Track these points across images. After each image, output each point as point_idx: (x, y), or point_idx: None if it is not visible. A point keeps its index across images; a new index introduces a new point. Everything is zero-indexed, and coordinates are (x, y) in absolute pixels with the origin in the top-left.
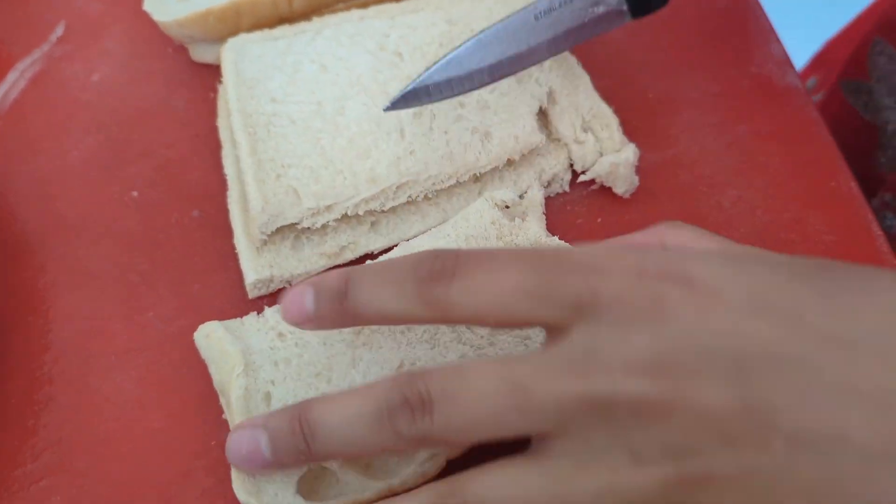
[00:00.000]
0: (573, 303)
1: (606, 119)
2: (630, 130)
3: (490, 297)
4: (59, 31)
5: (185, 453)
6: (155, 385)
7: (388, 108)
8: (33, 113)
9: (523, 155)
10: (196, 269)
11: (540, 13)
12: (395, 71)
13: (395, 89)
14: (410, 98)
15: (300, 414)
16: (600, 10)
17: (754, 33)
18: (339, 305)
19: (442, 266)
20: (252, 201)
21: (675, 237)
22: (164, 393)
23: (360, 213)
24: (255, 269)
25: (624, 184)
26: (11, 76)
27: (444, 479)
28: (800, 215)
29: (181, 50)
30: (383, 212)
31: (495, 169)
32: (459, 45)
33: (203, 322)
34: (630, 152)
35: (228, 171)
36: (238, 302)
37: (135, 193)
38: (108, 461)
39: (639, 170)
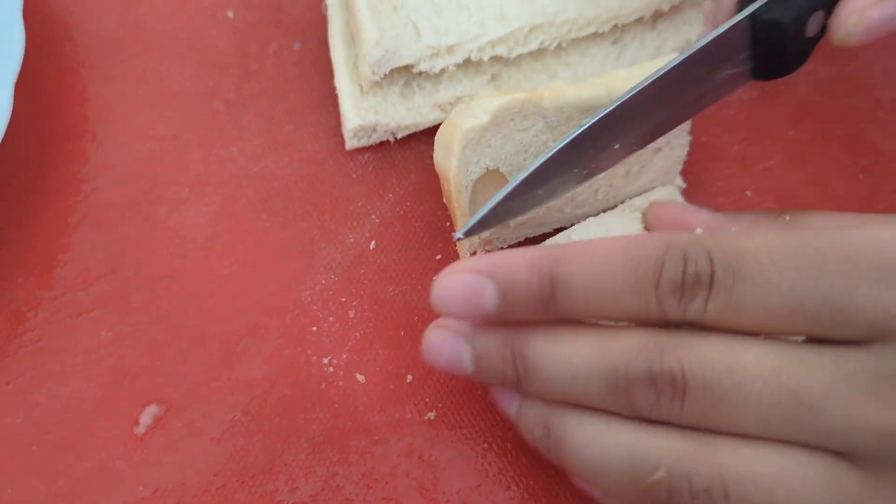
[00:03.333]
0: (874, 321)
1: None
2: None
3: (768, 319)
4: None
5: (254, 307)
6: (229, 227)
7: (459, 238)
8: None
9: (670, 15)
10: (289, 107)
11: (657, 87)
12: None
13: None
14: (492, 219)
15: (514, 345)
16: (723, 74)
17: None
18: (541, 309)
19: (696, 273)
20: (365, 33)
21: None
22: (238, 237)
23: (485, 58)
24: (357, 114)
25: None
26: None
27: (686, 431)
28: None
29: None
30: (507, 64)
31: (638, 28)
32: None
33: (290, 165)
34: None
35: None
36: (333, 150)
37: (229, 13)
38: (167, 301)
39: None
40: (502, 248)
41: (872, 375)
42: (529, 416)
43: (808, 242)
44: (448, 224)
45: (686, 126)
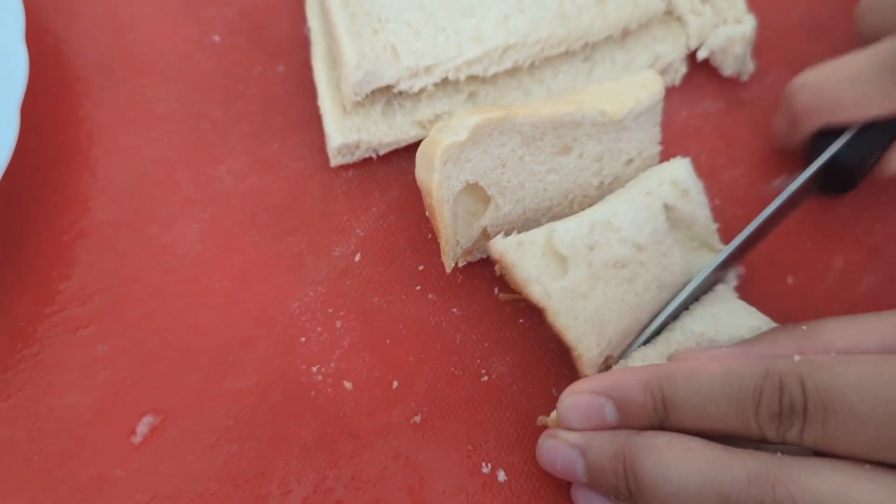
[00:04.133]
0: None
1: None
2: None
3: (861, 451)
4: None
5: (244, 319)
6: (218, 242)
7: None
8: None
9: (637, 33)
10: (275, 127)
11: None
12: None
13: None
14: None
15: (625, 458)
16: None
17: None
18: (656, 423)
19: (791, 404)
20: (346, 56)
21: None
22: (228, 252)
23: (462, 77)
24: (341, 133)
25: (735, 64)
26: None
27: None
28: None
29: None
30: (483, 82)
31: (608, 46)
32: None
33: (277, 182)
34: (749, 26)
35: (313, 23)
36: (318, 167)
37: (215, 38)
38: (161, 315)
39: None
40: (483, 258)
41: None
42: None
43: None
44: (430, 236)
45: (657, 138)
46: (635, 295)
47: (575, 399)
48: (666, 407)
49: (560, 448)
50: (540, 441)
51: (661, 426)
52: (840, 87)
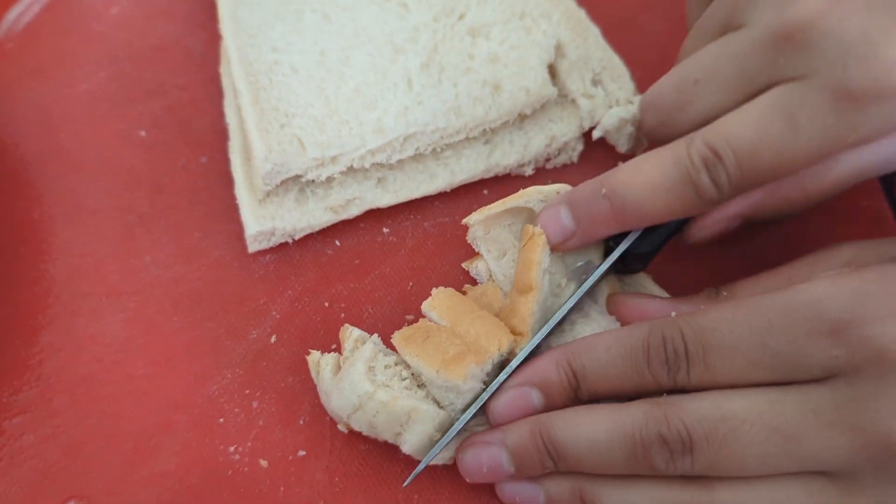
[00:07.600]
0: (823, 363)
1: (617, 70)
2: None
3: (738, 376)
4: None
5: (166, 403)
6: (142, 331)
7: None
8: (45, 39)
9: (534, 115)
10: (197, 217)
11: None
12: (401, 22)
13: (402, 39)
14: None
15: (541, 432)
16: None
17: None
18: (573, 396)
19: (674, 350)
20: (256, 150)
21: None
22: (151, 340)
23: (367, 165)
24: (256, 221)
25: (629, 141)
26: None
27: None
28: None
29: None
30: (391, 168)
31: (506, 130)
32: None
33: (199, 269)
34: (638, 107)
35: (230, 120)
36: (237, 254)
37: (142, 133)
38: (86, 403)
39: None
40: None
41: (832, 404)
42: (563, 492)
43: (754, 309)
44: (343, 315)
45: None
46: None
47: (503, 396)
48: (577, 379)
49: (481, 449)
50: (459, 455)
51: (578, 399)
52: (643, 201)
